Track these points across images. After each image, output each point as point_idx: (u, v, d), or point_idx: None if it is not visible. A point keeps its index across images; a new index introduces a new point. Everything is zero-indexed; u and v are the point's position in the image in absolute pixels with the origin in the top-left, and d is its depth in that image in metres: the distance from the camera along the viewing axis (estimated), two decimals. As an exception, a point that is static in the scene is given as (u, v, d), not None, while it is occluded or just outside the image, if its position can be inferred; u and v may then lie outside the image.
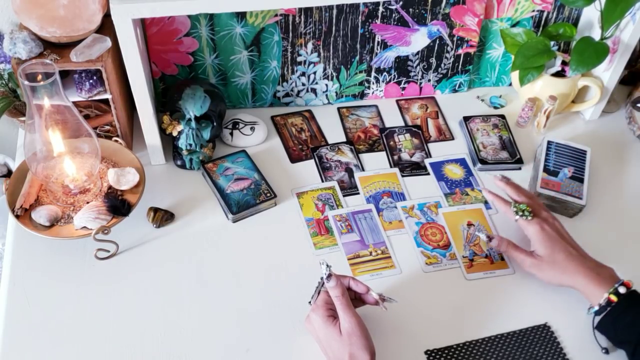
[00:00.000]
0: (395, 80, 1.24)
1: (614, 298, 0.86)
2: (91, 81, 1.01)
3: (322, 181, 1.10)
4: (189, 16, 1.07)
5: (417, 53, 1.20)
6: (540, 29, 1.21)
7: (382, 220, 1.04)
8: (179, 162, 1.10)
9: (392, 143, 1.17)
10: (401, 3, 1.12)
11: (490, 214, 1.06)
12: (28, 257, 0.96)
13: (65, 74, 1.05)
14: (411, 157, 1.15)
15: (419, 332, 0.90)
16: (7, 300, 0.91)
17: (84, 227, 0.94)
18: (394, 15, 1.14)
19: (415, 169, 1.13)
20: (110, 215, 0.95)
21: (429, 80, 1.25)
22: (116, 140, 1.06)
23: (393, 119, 1.23)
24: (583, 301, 0.90)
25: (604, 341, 0.89)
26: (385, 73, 1.22)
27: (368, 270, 0.97)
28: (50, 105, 0.89)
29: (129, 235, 0.99)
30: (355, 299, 0.87)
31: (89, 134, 0.95)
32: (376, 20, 1.14)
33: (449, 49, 1.21)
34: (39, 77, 0.86)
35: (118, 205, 0.95)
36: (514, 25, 1.20)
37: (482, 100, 1.28)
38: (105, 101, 1.05)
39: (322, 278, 0.82)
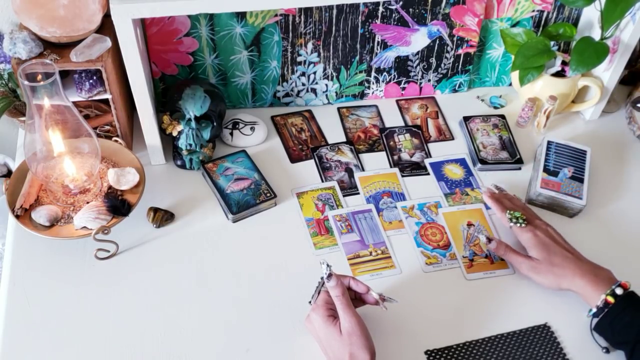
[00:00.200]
0: (395, 80, 1.24)
1: (611, 300, 0.86)
2: (91, 81, 1.01)
3: (322, 181, 1.10)
4: (189, 16, 1.07)
5: (417, 53, 1.20)
6: (540, 29, 1.22)
7: (382, 220, 1.04)
8: (179, 162, 1.10)
9: (392, 143, 1.17)
10: (401, 3, 1.12)
11: (490, 214, 1.06)
12: (28, 257, 0.96)
13: (65, 74, 1.05)
14: (411, 157, 1.15)
15: (419, 332, 0.90)
16: (7, 300, 0.91)
17: (84, 227, 0.94)
18: (394, 15, 1.14)
19: (415, 169, 1.13)
20: (110, 215, 0.95)
21: (429, 80, 1.25)
22: (116, 140, 1.06)
23: (393, 119, 1.23)
24: (583, 302, 0.90)
25: (603, 341, 0.89)
26: (385, 73, 1.22)
27: (368, 270, 0.97)
28: (50, 105, 0.89)
29: (129, 235, 0.99)
30: (356, 299, 0.87)
31: (89, 134, 0.95)
32: (376, 20, 1.14)
33: (449, 49, 1.21)
34: (39, 77, 0.86)
35: (118, 205, 0.95)
36: (514, 25, 1.20)
37: (482, 100, 1.28)
38: (105, 101, 1.05)
39: (322, 278, 0.82)
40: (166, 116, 1.07)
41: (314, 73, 1.19)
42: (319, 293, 0.84)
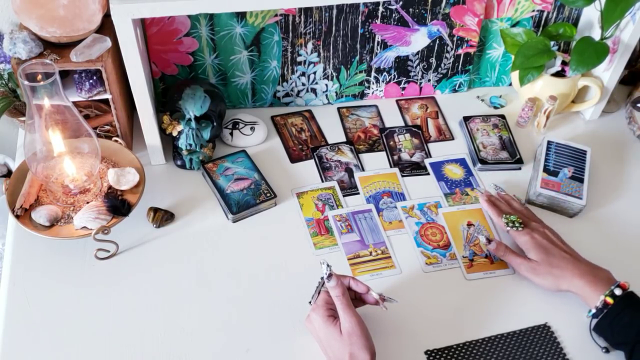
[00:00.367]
0: (395, 80, 1.24)
1: (610, 300, 0.86)
2: (91, 81, 1.01)
3: (322, 181, 1.10)
4: (189, 16, 1.07)
5: (417, 53, 1.20)
6: (540, 29, 1.21)
7: (382, 220, 1.04)
8: (179, 162, 1.10)
9: (392, 143, 1.17)
10: (401, 3, 1.12)
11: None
12: (28, 257, 0.96)
13: (65, 74, 1.05)
14: (411, 157, 1.15)
15: (419, 332, 0.90)
16: (7, 300, 0.91)
17: (84, 227, 0.94)
18: (394, 15, 1.14)
19: (415, 169, 1.13)
20: (110, 215, 0.95)
21: (429, 80, 1.25)
22: (116, 140, 1.06)
23: (393, 119, 1.23)
24: (582, 302, 0.90)
25: (603, 341, 0.89)
26: (385, 73, 1.22)
27: (368, 270, 0.97)
28: (50, 105, 0.89)
29: (129, 235, 0.99)
30: (356, 299, 0.87)
31: (89, 134, 0.95)
32: (376, 20, 1.14)
33: (449, 49, 1.21)
34: (39, 77, 0.86)
35: (118, 205, 0.95)
36: (514, 25, 1.20)
37: (482, 100, 1.28)
38: (105, 101, 1.05)
39: (322, 278, 0.82)
40: (166, 116, 1.07)
41: (314, 73, 1.19)
42: (319, 293, 0.84)
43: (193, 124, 1.06)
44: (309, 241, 1.01)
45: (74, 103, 0.96)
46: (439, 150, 1.17)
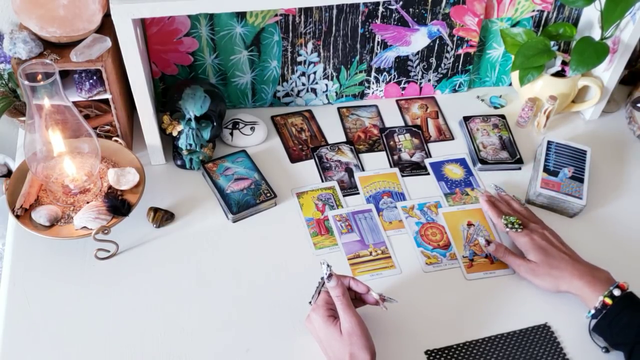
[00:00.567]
0: (395, 80, 1.24)
1: (608, 301, 0.86)
2: (91, 81, 1.01)
3: (322, 181, 1.10)
4: (189, 16, 1.07)
5: (417, 53, 1.20)
6: (540, 29, 1.21)
7: (382, 220, 1.04)
8: (179, 162, 1.10)
9: (392, 143, 1.17)
10: (401, 3, 1.12)
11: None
12: (28, 257, 0.96)
13: (65, 74, 1.05)
14: (411, 157, 1.15)
15: (419, 332, 0.90)
16: (7, 300, 0.91)
17: (84, 227, 0.94)
18: (394, 15, 1.14)
19: (415, 169, 1.13)
20: (110, 215, 0.95)
21: (429, 80, 1.25)
22: (116, 140, 1.06)
23: (393, 119, 1.23)
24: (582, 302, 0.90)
25: (602, 341, 0.89)
26: (385, 73, 1.22)
27: (368, 270, 0.97)
28: (50, 105, 0.89)
29: (129, 235, 0.99)
30: (356, 299, 0.87)
31: (89, 134, 0.95)
32: (376, 20, 1.14)
33: (449, 49, 1.21)
34: (39, 77, 0.86)
35: (118, 205, 0.95)
36: (514, 25, 1.20)
37: (482, 100, 1.28)
38: (105, 101, 1.05)
39: (322, 278, 0.82)
40: (166, 116, 1.07)
41: (314, 73, 1.19)
42: (319, 293, 0.84)
43: (193, 124, 1.06)
44: (309, 241, 1.01)
45: (74, 103, 0.96)
46: (439, 150, 1.17)
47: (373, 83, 1.24)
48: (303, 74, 1.19)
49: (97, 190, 1.00)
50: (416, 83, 1.25)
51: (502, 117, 1.21)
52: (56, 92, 0.87)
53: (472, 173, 1.13)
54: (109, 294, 0.92)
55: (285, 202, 1.07)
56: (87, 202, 0.98)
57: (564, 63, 1.18)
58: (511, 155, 1.14)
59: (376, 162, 1.14)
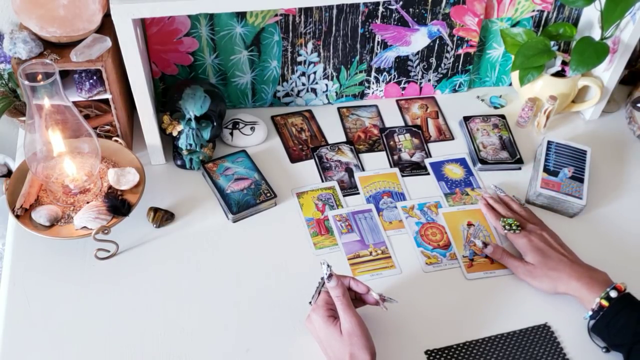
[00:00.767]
0: (395, 80, 1.24)
1: (605, 303, 0.86)
2: (91, 81, 1.01)
3: (322, 181, 1.10)
4: (189, 16, 1.07)
5: (417, 53, 1.20)
6: (540, 28, 1.21)
7: (382, 220, 1.04)
8: (179, 162, 1.10)
9: (392, 143, 1.17)
10: (401, 3, 1.12)
11: (490, 214, 1.06)
12: (28, 257, 0.96)
13: (65, 74, 1.05)
14: (411, 157, 1.15)
15: (419, 332, 0.90)
16: (7, 300, 0.91)
17: (84, 227, 0.94)
18: (394, 15, 1.14)
19: (415, 169, 1.13)
20: (110, 215, 0.95)
21: (429, 80, 1.25)
22: (116, 140, 1.06)
23: (393, 119, 1.23)
24: (583, 301, 0.91)
25: (602, 341, 0.89)
26: (385, 73, 1.22)
27: (368, 270, 0.97)
28: (50, 105, 0.89)
29: (129, 235, 0.99)
30: (356, 299, 0.87)
31: (89, 134, 0.95)
32: (376, 20, 1.14)
33: (449, 48, 1.21)
34: (39, 77, 0.86)
35: (118, 205, 0.95)
36: (514, 25, 1.20)
37: (482, 100, 1.28)
38: (105, 101, 1.05)
39: (322, 278, 0.82)
40: (166, 116, 1.07)
41: (314, 73, 1.19)
42: (319, 293, 0.84)
43: (193, 124, 1.06)
44: (309, 241, 1.01)
45: (74, 103, 0.96)
46: (439, 150, 1.17)
47: (373, 83, 1.24)
48: (303, 74, 1.19)
49: (97, 190, 1.00)
50: (416, 83, 1.25)
51: (502, 117, 1.21)
52: (56, 92, 0.87)
53: (472, 173, 1.13)
54: (108, 294, 0.92)
55: (285, 202, 1.07)
56: (87, 202, 0.98)
57: (564, 63, 1.18)
58: (511, 155, 1.14)
59: (376, 162, 1.14)
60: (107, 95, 1.02)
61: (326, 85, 1.22)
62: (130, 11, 0.88)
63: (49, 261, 0.96)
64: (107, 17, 0.98)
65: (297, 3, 0.98)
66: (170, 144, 1.12)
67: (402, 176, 1.12)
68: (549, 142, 1.13)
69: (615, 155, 1.18)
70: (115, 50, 0.99)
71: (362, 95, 1.25)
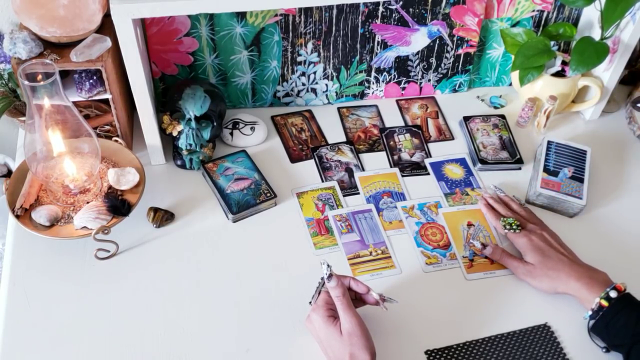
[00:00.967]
0: (395, 80, 1.24)
1: (605, 303, 0.86)
2: (91, 81, 1.01)
3: (322, 181, 1.10)
4: (189, 16, 1.07)
5: (417, 53, 1.20)
6: (540, 28, 1.21)
7: (382, 220, 1.04)
8: (179, 162, 1.10)
9: (392, 143, 1.17)
10: (401, 3, 1.12)
11: (490, 214, 1.06)
12: (28, 257, 0.96)
13: (65, 74, 1.05)
14: (411, 157, 1.15)
15: (419, 332, 0.90)
16: (7, 300, 0.91)
17: (84, 227, 0.94)
18: (394, 15, 1.14)
19: (415, 169, 1.13)
20: (110, 215, 0.95)
21: (429, 80, 1.25)
22: (116, 140, 1.06)
23: (393, 119, 1.23)
24: (583, 301, 0.91)
25: (602, 341, 0.89)
26: (385, 73, 1.22)
27: (368, 270, 0.97)
28: (50, 105, 0.89)
29: (129, 235, 0.99)
30: (356, 299, 0.87)
31: (89, 134, 0.95)
32: (376, 20, 1.14)
33: (449, 49, 1.21)
34: (39, 77, 0.86)
35: (118, 205, 0.95)
36: (514, 25, 1.20)
37: (482, 100, 1.28)
38: (105, 101, 1.05)
39: (322, 278, 0.82)
40: (166, 116, 1.07)
41: (314, 73, 1.19)
42: (319, 293, 0.84)
43: (193, 124, 1.06)
44: (309, 241, 1.01)
45: (74, 103, 0.96)
46: (439, 150, 1.17)
47: (373, 83, 1.24)
48: (303, 74, 1.19)
49: (97, 190, 1.00)
50: (416, 83, 1.25)
51: (502, 117, 1.21)
52: (56, 92, 0.87)
53: (472, 173, 1.13)
54: (108, 293, 0.92)
55: (285, 202, 1.07)
56: (87, 202, 0.98)
57: (564, 63, 1.18)
58: (511, 155, 1.14)
59: (376, 162, 1.14)
60: (107, 95, 1.02)
61: (326, 85, 1.22)
62: (130, 11, 0.88)
63: (49, 261, 0.96)
64: (107, 17, 0.98)
65: (297, 3, 0.98)
66: (170, 144, 1.12)
67: (402, 176, 1.12)
68: (549, 142, 1.13)
69: (615, 155, 1.18)
70: (115, 50, 0.99)
71: (362, 95, 1.25)
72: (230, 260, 0.98)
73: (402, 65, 1.22)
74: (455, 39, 1.19)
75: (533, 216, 1.02)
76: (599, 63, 1.09)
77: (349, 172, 1.12)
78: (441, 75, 1.25)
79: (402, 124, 1.22)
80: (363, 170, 1.13)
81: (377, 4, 1.11)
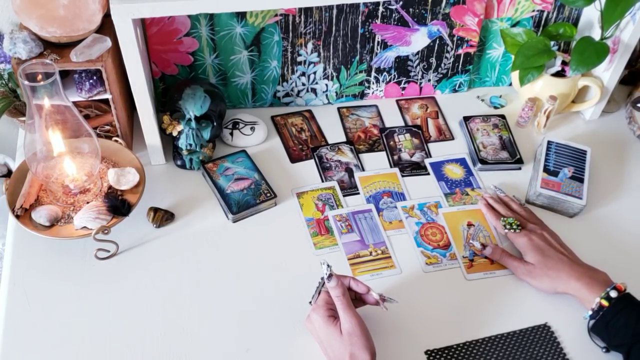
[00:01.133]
0: (395, 80, 1.24)
1: (605, 303, 0.86)
2: (91, 81, 1.01)
3: (322, 181, 1.10)
4: (189, 16, 1.07)
5: (417, 53, 1.20)
6: (540, 28, 1.22)
7: (382, 220, 1.04)
8: (179, 162, 1.10)
9: (392, 143, 1.17)
10: (401, 3, 1.12)
11: (490, 214, 1.06)
12: (28, 257, 0.96)
13: (65, 74, 1.05)
14: (411, 157, 1.15)
15: (419, 332, 0.90)
16: (7, 300, 0.91)
17: (84, 227, 0.94)
18: (394, 15, 1.14)
19: (415, 169, 1.13)
20: (110, 215, 0.95)
21: (429, 80, 1.25)
22: (116, 140, 1.06)
23: (393, 119, 1.23)
24: (583, 301, 0.91)
25: (602, 341, 0.89)
26: (385, 73, 1.22)
27: (368, 270, 0.97)
28: (50, 105, 0.89)
29: (129, 235, 0.99)
30: (356, 299, 0.87)
31: (89, 134, 0.95)
32: (376, 20, 1.14)
33: (449, 49, 1.21)
34: (39, 77, 0.86)
35: (118, 205, 0.95)
36: (514, 25, 1.20)
37: (482, 100, 1.28)
38: (105, 101, 1.05)
39: (322, 278, 0.82)
40: (166, 116, 1.07)
41: (314, 73, 1.19)
42: (319, 293, 0.84)
43: (193, 124, 1.06)
44: (309, 241, 1.01)
45: (74, 103, 0.96)
46: (439, 150, 1.17)
47: (373, 83, 1.24)
48: (303, 74, 1.19)
49: (97, 190, 1.00)
50: (416, 83, 1.25)
51: (502, 117, 1.21)
52: (56, 92, 0.87)
53: (472, 173, 1.13)
54: (108, 293, 0.92)
55: (285, 202, 1.07)
56: (87, 202, 0.98)
57: (564, 63, 1.18)
58: (511, 155, 1.14)
59: (376, 162, 1.14)
60: (107, 95, 1.02)
61: (326, 85, 1.22)
62: (130, 11, 0.88)
63: (49, 261, 0.96)
64: (107, 17, 0.98)
65: (297, 3, 0.98)
66: (170, 144, 1.12)
67: (402, 176, 1.12)
68: (549, 142, 1.13)
69: (615, 155, 1.18)
70: (115, 50, 0.99)
71: (362, 95, 1.25)
72: (230, 260, 0.98)
73: (402, 65, 1.22)
74: (455, 39, 1.19)
75: (533, 216, 1.02)
76: (599, 63, 1.09)
77: (349, 172, 1.12)
78: (441, 75, 1.25)
79: (402, 124, 1.22)
80: (363, 170, 1.13)
81: (377, 4, 1.11)
